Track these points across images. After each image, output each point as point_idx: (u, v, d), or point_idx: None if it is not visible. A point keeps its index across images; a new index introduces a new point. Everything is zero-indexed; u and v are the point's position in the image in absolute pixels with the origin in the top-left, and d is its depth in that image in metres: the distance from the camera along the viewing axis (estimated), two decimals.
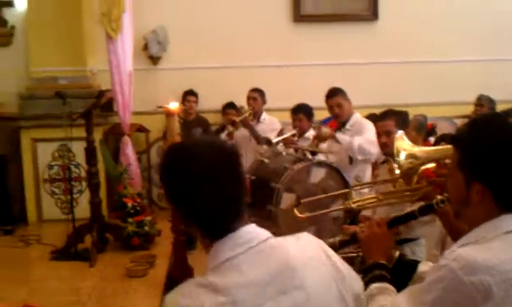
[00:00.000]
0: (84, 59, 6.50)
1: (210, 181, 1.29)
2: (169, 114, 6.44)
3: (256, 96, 5.81)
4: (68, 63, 6.39)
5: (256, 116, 5.73)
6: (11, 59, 6.70)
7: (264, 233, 1.36)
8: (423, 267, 1.80)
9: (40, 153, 6.39)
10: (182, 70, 6.86)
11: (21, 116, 6.31)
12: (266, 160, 4.71)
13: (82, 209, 5.65)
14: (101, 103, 5.82)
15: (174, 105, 6.55)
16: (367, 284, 1.67)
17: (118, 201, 5.67)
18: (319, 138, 4.75)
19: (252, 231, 1.35)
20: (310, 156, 4.65)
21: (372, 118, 4.56)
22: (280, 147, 4.96)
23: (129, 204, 5.55)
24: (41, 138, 6.34)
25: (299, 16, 7.07)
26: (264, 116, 5.81)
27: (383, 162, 3.65)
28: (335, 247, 1.84)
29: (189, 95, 6.72)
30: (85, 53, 6.51)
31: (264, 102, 5.82)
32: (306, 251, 1.37)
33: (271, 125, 5.72)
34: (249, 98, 5.81)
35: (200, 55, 6.87)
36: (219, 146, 1.39)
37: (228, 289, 1.26)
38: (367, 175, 4.51)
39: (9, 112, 6.35)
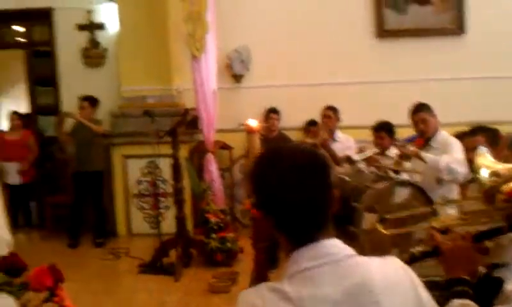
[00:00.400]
0: (170, 79, 6.74)
1: (297, 187, 1.27)
2: (250, 132, 6.55)
3: (331, 114, 5.75)
4: (156, 82, 6.66)
5: (331, 134, 5.67)
6: (104, 79, 7.08)
7: (348, 250, 1.30)
8: (510, 286, 1.70)
9: (129, 169, 6.68)
10: (264, 87, 6.94)
11: (113, 133, 6.64)
12: (347, 178, 4.64)
13: (169, 224, 5.85)
14: (186, 121, 6.02)
15: (254, 123, 6.67)
16: (447, 300, 1.60)
17: (201, 217, 5.83)
18: (403, 156, 4.63)
19: (336, 245, 1.29)
20: (392, 175, 4.55)
21: (460, 136, 4.38)
22: (361, 165, 4.87)
23: (212, 220, 5.69)
24: (131, 155, 6.64)
25: (383, 32, 6.96)
26: (338, 134, 5.73)
27: (471, 181, 3.49)
28: (416, 258, 1.79)
29: (271, 113, 6.78)
30: (171, 72, 6.75)
31: (338, 120, 5.74)
32: (390, 276, 1.30)
33: (346, 142, 5.62)
34: (323, 116, 5.76)
35: (282, 73, 6.92)
36: (309, 153, 1.35)
37: (300, 300, 1.23)
38: (454, 196, 4.32)
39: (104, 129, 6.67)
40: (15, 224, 7.13)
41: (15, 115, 7.24)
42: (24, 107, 8.08)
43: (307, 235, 1.29)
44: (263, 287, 1.30)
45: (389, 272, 1.31)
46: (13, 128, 7.20)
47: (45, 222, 7.17)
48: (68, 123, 6.51)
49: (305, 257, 1.27)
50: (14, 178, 7.04)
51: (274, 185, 1.29)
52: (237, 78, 7.15)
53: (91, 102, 6.52)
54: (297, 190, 1.27)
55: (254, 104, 6.88)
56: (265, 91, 6.95)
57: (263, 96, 6.91)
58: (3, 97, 10.24)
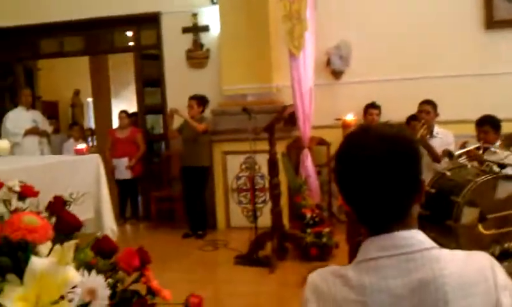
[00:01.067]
0: (270, 77, 6.83)
1: (375, 177, 1.21)
2: (346, 126, 6.50)
3: (429, 109, 5.46)
4: (256, 81, 6.78)
5: (429, 130, 5.41)
6: (207, 79, 7.33)
7: (426, 243, 1.22)
8: None
9: (229, 164, 6.86)
10: (364, 83, 6.83)
11: (214, 130, 6.85)
12: (448, 173, 4.43)
13: (265, 218, 5.92)
14: (283, 118, 6.08)
15: (350, 117, 6.59)
16: None
17: (297, 212, 5.86)
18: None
19: (411, 237, 1.22)
20: (497, 169, 4.28)
21: None
22: (462, 160, 4.63)
23: (308, 215, 5.69)
24: (231, 151, 6.81)
25: (492, 23, 6.59)
26: (437, 129, 5.44)
27: None
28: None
29: (371, 108, 6.65)
30: (271, 71, 6.84)
31: (436, 115, 5.47)
32: (469, 274, 1.20)
33: (445, 138, 5.32)
34: (420, 111, 5.50)
35: (383, 67, 6.77)
36: (393, 140, 1.25)
37: (362, 288, 1.20)
38: None
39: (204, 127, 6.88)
40: (123, 216, 7.61)
41: (124, 114, 7.73)
42: (133, 107, 8.60)
43: (383, 224, 1.24)
44: (328, 270, 1.28)
45: (469, 270, 1.21)
46: (122, 126, 7.69)
47: (150, 215, 7.56)
48: (177, 120, 6.79)
49: (375, 246, 1.24)
50: (123, 173, 7.50)
51: (352, 174, 1.25)
52: (337, 74, 7.10)
53: (199, 100, 6.74)
54: (375, 179, 1.21)
55: (353, 100, 6.79)
56: (365, 87, 6.83)
57: (363, 92, 6.79)
58: (116, 98, 10.99)
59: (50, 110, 9.95)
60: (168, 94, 7.56)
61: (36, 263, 1.95)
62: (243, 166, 6.79)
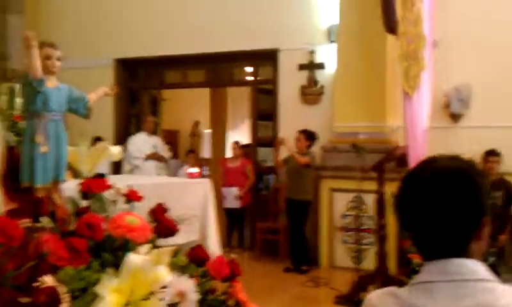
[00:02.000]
0: (383, 116, 6.72)
1: (433, 206, 1.24)
2: None
3: None
4: (368, 119, 6.71)
5: None
6: (319, 116, 7.37)
7: (482, 274, 1.22)
8: None
9: (335, 202, 6.78)
10: (484, 128, 6.49)
11: (323, 166, 6.83)
12: None
13: (370, 261, 5.76)
14: (393, 158, 5.92)
15: None
16: None
17: (404, 257, 5.61)
18: None
19: (466, 266, 1.23)
20: None
21: None
22: None
23: (415, 261, 5.42)
24: (338, 188, 6.73)
25: None
26: None
27: None
28: None
29: (490, 155, 6.27)
30: (385, 110, 6.73)
31: None
32: None
33: None
34: None
35: (506, 112, 6.41)
36: (459, 172, 1.27)
37: None
38: None
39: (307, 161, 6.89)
40: (229, 244, 7.75)
41: (236, 144, 7.98)
42: (246, 139, 8.84)
43: (437, 253, 1.25)
44: (384, 291, 1.32)
45: None
46: (234, 156, 7.93)
47: (255, 245, 7.64)
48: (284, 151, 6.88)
49: (428, 271, 1.25)
50: (232, 202, 7.68)
51: (413, 195, 1.28)
52: (455, 117, 6.81)
53: (307, 135, 6.80)
54: (433, 206, 1.24)
55: (471, 145, 6.42)
56: (485, 132, 6.47)
57: (482, 137, 6.44)
58: (231, 130, 11.37)
59: (171, 138, 10.50)
60: (280, 128, 7.69)
61: (132, 259, 2.05)
62: (350, 205, 6.68)
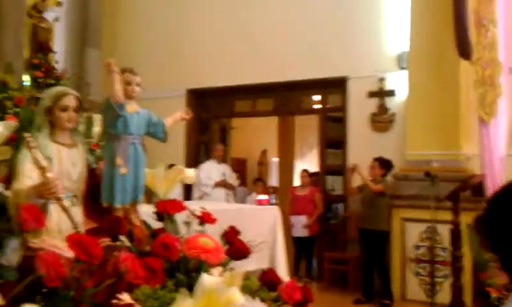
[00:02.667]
0: (457, 144, 6.50)
1: None
2: None
3: None
4: (442, 147, 6.50)
5: None
6: (390, 143, 7.23)
7: None
8: None
9: (408, 232, 6.57)
10: None
11: (394, 195, 6.66)
12: None
13: (445, 294, 5.53)
14: (469, 187, 5.70)
15: None
16: None
17: (481, 290, 5.35)
18: None
19: None
20: None
21: None
22: None
23: (493, 295, 5.16)
24: (411, 218, 6.53)
25: None
26: None
27: None
28: None
29: None
30: (459, 137, 6.50)
31: None
32: None
33: None
34: None
35: None
36: None
37: None
38: None
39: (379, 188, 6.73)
40: (297, 273, 7.66)
41: (305, 173, 7.95)
42: (314, 168, 8.79)
43: None
44: None
45: None
46: (302, 184, 7.89)
47: (323, 275, 7.51)
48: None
49: None
50: (300, 231, 7.62)
51: (503, 220, 1.26)
52: None
53: (382, 163, 6.68)
54: None
55: None
56: None
57: None
58: (299, 158, 11.35)
59: (239, 167, 10.61)
60: (349, 156, 7.59)
61: (206, 280, 2.06)
62: (423, 235, 6.45)
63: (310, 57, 7.84)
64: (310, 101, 8.92)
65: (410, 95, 6.95)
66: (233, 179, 8.17)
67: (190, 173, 2.77)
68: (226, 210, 4.92)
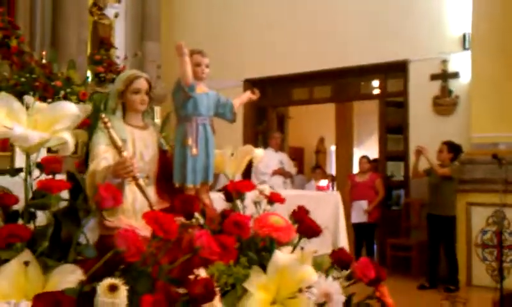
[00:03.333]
0: None
1: None
2: None
3: None
4: (509, 129, 6.28)
5: None
6: (453, 127, 7.03)
7: None
8: None
9: (474, 217, 6.40)
10: None
11: (460, 179, 6.47)
12: None
13: None
14: None
15: None
16: None
17: None
18: None
19: None
20: None
21: None
22: None
23: None
24: (476, 202, 6.36)
25: None
26: None
27: None
28: None
29: None
30: None
31: None
32: None
33: None
34: None
35: None
36: None
37: None
38: None
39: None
40: (357, 260, 7.57)
41: (364, 159, 7.84)
42: (374, 154, 8.66)
43: None
44: None
45: None
46: (362, 171, 7.79)
47: (385, 262, 7.40)
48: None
49: None
50: (360, 217, 7.52)
51: None
52: None
53: (450, 147, 6.51)
54: None
55: None
56: None
57: None
58: (357, 145, 11.22)
59: (296, 155, 10.59)
60: (410, 140, 7.43)
61: (280, 257, 2.08)
62: (490, 220, 6.26)
63: (369, 41, 7.70)
64: (369, 86, 8.78)
65: (474, 77, 6.74)
66: (291, 167, 8.16)
67: (259, 152, 2.77)
68: (287, 196, 4.91)
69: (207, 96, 2.56)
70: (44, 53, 6.94)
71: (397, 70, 7.70)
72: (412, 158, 6.90)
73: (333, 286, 2.14)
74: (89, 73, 7.99)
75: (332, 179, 10.55)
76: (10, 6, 7.01)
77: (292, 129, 10.03)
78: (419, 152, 6.55)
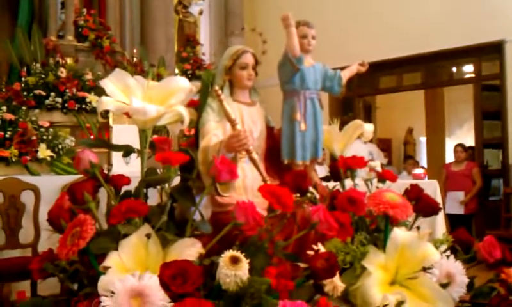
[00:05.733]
0: None
1: None
2: None
3: None
4: None
5: None
6: None
7: None
8: None
9: None
10: None
11: None
12: None
13: None
14: None
15: None
16: None
17: None
18: None
19: None
20: None
21: None
22: None
23: None
24: None
25: None
26: None
27: None
28: None
29: None
30: None
31: None
32: None
33: None
34: None
35: None
36: None
37: None
38: None
39: None
40: None
41: (460, 147, 7.45)
42: (470, 141, 8.25)
43: None
44: None
45: None
46: (457, 160, 7.42)
47: None
48: None
49: None
50: (455, 208, 7.18)
51: None
52: None
53: None
54: None
55: None
56: None
57: None
58: (449, 136, 10.74)
59: (383, 147, 10.30)
60: (509, 126, 7.00)
61: (399, 235, 1.97)
62: None
63: (460, 22, 7.31)
64: (462, 71, 8.37)
65: None
66: (381, 157, 7.93)
67: (369, 127, 2.67)
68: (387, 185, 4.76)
69: (313, 69, 2.49)
70: (135, 52, 7.17)
71: (492, 51, 7.26)
72: (511, 142, 6.50)
73: (456, 267, 2.02)
74: (176, 70, 8.17)
75: (424, 170, 10.18)
76: (101, 8, 7.28)
77: (380, 120, 9.75)
78: None
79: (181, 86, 1.86)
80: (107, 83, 1.86)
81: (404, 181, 5.79)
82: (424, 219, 4.79)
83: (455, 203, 7.18)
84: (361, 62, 2.72)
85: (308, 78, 2.43)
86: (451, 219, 7.25)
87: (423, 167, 10.13)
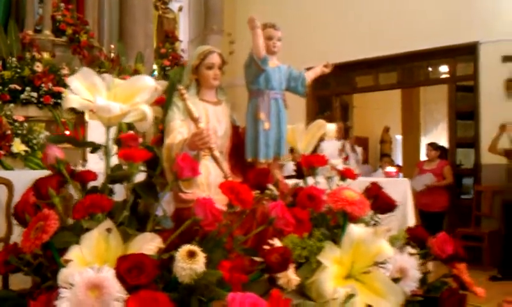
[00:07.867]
0: None
1: None
2: None
3: None
4: None
5: None
6: None
7: None
8: None
9: None
10: None
11: None
12: None
13: None
14: None
15: None
16: None
17: None
18: None
19: None
20: None
21: None
22: None
23: None
24: None
25: None
26: None
27: None
28: None
29: None
30: None
31: None
32: None
33: None
34: None
35: None
36: None
37: None
38: None
39: None
40: None
41: (431, 146, 7.61)
42: (444, 141, 8.41)
43: None
44: None
45: None
46: (429, 158, 7.57)
47: None
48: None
49: None
50: (418, 185, 7.25)
51: None
52: None
53: None
54: None
55: None
56: None
57: None
58: (424, 134, 10.91)
59: (360, 145, 10.43)
60: (482, 126, 7.16)
61: (354, 230, 2.05)
62: None
63: (436, 23, 7.45)
64: (437, 71, 8.52)
65: None
66: (357, 155, 8.03)
67: (331, 127, 2.75)
68: (355, 182, 4.85)
69: (278, 70, 2.56)
70: (112, 47, 7.17)
71: (467, 52, 7.42)
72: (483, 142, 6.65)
73: (409, 262, 2.10)
74: (155, 66, 8.18)
75: (398, 168, 10.33)
76: (79, 3, 7.26)
77: (357, 119, 9.89)
78: (504, 127, 6.30)
79: (146, 85, 1.91)
80: (72, 80, 1.92)
81: (368, 179, 5.93)
82: (395, 216, 4.92)
83: (420, 181, 7.29)
84: (326, 64, 2.79)
85: (272, 78, 2.51)
86: (423, 217, 7.39)
87: (397, 166, 10.28)
